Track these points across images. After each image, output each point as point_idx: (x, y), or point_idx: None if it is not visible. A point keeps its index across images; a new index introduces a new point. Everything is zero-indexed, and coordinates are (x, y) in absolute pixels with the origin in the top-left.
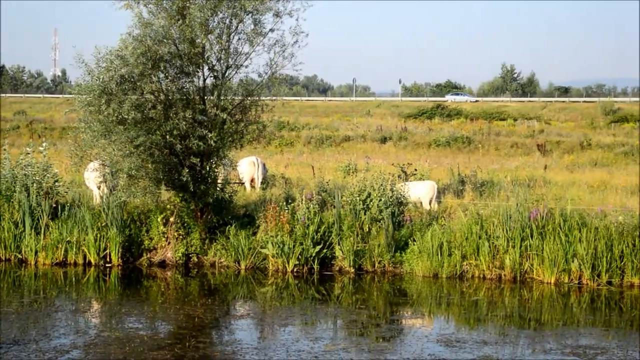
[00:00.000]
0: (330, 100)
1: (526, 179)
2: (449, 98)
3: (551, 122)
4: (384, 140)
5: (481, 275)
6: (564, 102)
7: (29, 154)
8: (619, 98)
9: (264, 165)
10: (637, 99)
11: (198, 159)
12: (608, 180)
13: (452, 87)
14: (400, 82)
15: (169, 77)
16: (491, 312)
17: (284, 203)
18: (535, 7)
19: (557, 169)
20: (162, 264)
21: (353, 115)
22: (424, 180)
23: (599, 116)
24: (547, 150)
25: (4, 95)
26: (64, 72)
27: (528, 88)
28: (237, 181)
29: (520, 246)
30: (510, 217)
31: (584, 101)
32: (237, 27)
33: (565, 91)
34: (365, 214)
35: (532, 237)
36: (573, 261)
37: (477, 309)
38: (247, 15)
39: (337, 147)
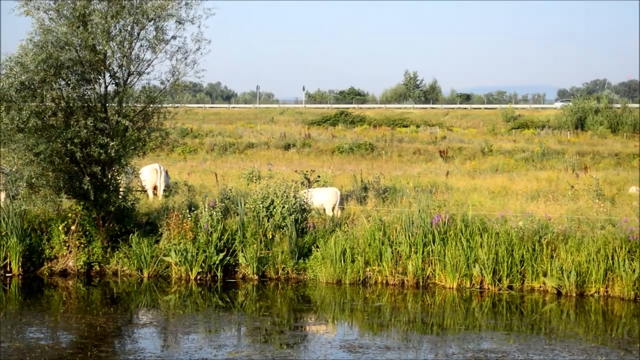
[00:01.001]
0: (233, 107)
1: (428, 185)
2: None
3: (453, 128)
4: (287, 147)
5: (384, 281)
6: (465, 108)
7: None
8: (519, 105)
9: (166, 172)
10: (537, 105)
11: (99, 167)
12: (509, 186)
13: (355, 94)
14: (304, 89)
15: (70, 84)
16: (394, 318)
17: (187, 211)
18: (437, 13)
19: (459, 175)
20: (64, 273)
21: (257, 122)
22: (327, 187)
23: (500, 123)
24: (449, 157)
25: None
26: None
27: (431, 95)
28: (140, 189)
29: (423, 252)
30: (412, 223)
31: (486, 108)
32: (139, 34)
33: (467, 98)
34: (268, 221)
35: (434, 242)
36: (474, 266)
37: (380, 314)
38: (149, 22)
39: (241, 154)
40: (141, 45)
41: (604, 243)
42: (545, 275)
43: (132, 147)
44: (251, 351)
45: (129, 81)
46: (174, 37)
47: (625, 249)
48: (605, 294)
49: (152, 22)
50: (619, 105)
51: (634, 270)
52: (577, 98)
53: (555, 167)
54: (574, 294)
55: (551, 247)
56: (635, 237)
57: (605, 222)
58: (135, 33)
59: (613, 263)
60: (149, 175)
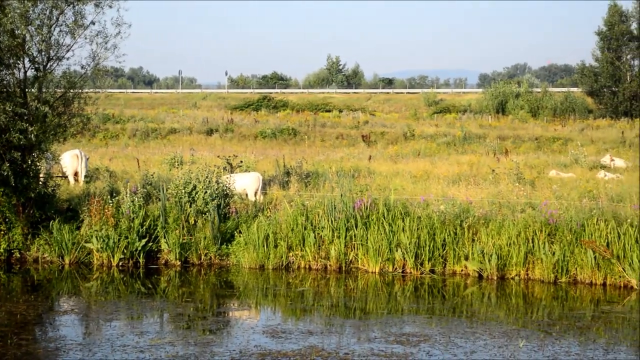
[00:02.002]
0: (156, 93)
1: (351, 169)
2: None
3: (376, 113)
4: (210, 132)
5: (307, 266)
6: (388, 93)
7: None
8: (441, 89)
9: (87, 158)
10: (459, 90)
11: (19, 153)
12: (431, 170)
13: (278, 79)
14: (226, 74)
15: None
16: (317, 303)
17: (109, 197)
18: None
19: (381, 160)
20: None
21: (179, 107)
22: (249, 172)
23: (422, 107)
24: (372, 141)
25: None
26: None
27: (353, 79)
28: (60, 175)
29: (345, 236)
30: (335, 208)
31: (408, 92)
32: (58, 18)
33: (389, 82)
34: (190, 206)
35: (356, 227)
36: (397, 250)
37: (303, 299)
38: (68, 6)
39: (163, 140)
40: (60, 30)
41: (524, 226)
42: (466, 258)
43: (53, 133)
44: (174, 337)
45: (48, 66)
46: (92, 22)
47: (545, 232)
48: (526, 276)
49: (71, 6)
50: (539, 90)
51: (553, 253)
52: (497, 82)
53: (476, 151)
54: (495, 277)
55: (472, 230)
56: (555, 220)
57: (525, 205)
58: (54, 17)
59: (533, 246)
60: (69, 161)
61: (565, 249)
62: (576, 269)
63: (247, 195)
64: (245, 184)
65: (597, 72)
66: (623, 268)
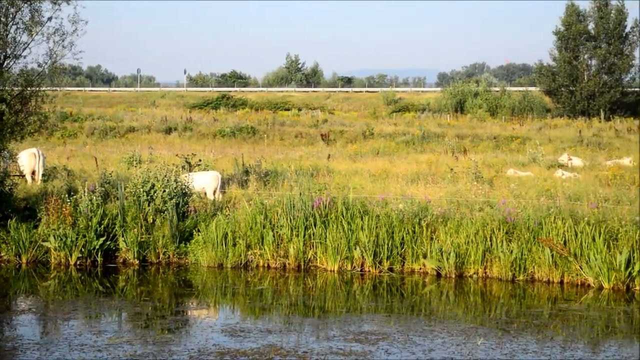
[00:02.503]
0: (114, 91)
1: (310, 168)
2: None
3: (335, 111)
4: (168, 131)
5: (266, 265)
6: (347, 92)
7: None
8: (400, 88)
9: (45, 157)
10: (418, 89)
11: None
12: (389, 168)
13: (237, 78)
14: (185, 72)
15: None
16: (276, 301)
17: (66, 195)
18: None
19: (340, 159)
20: None
21: (138, 105)
22: (208, 170)
23: (381, 106)
24: (331, 140)
25: None
26: None
27: (312, 78)
28: (18, 174)
29: (304, 235)
30: (293, 207)
31: (367, 91)
32: (14, 16)
33: (348, 81)
34: (149, 205)
35: (315, 225)
36: (355, 249)
37: (262, 298)
38: (25, 3)
39: (122, 138)
40: (17, 28)
41: (483, 225)
42: (425, 257)
43: (10, 131)
44: (132, 337)
45: (5, 64)
46: (49, 19)
47: (503, 230)
48: (484, 275)
49: (28, 3)
50: (497, 89)
51: (511, 252)
52: (456, 81)
53: (435, 150)
54: (454, 275)
55: (431, 229)
56: (513, 218)
57: (483, 204)
58: (11, 15)
59: (491, 244)
60: (27, 160)
61: (522, 247)
62: (534, 267)
63: (205, 194)
64: (203, 182)
65: (555, 71)
66: (580, 266)
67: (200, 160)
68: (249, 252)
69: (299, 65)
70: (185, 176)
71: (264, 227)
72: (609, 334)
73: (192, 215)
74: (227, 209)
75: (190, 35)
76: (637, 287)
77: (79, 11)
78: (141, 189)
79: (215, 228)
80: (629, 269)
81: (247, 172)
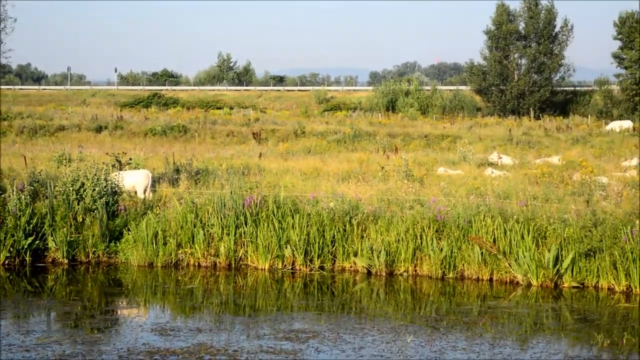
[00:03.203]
0: (44, 89)
1: (241, 167)
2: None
3: (267, 110)
4: (99, 129)
5: (196, 263)
6: (279, 90)
7: None
8: (332, 87)
9: None
10: (349, 87)
11: None
12: (321, 167)
13: (169, 76)
14: (116, 70)
15: None
16: (206, 300)
17: None
18: None
19: (272, 157)
20: None
21: (68, 104)
22: (138, 169)
23: (313, 105)
24: (263, 139)
25: None
26: None
27: (244, 77)
28: None
29: (235, 234)
30: (224, 205)
31: (299, 90)
32: None
33: (280, 80)
34: (79, 204)
35: (246, 224)
36: (286, 247)
37: (192, 297)
38: None
39: (51, 137)
40: None
41: (413, 223)
42: (355, 255)
43: None
44: (61, 336)
45: None
46: None
47: (433, 228)
48: (414, 272)
49: None
50: (428, 88)
51: (441, 250)
52: (388, 80)
53: (366, 148)
54: (384, 274)
55: (361, 227)
56: (443, 217)
57: (414, 202)
58: None
59: (421, 242)
60: None
61: (452, 245)
62: (463, 264)
63: (136, 192)
64: (134, 181)
65: (486, 70)
66: (509, 264)
67: (130, 159)
68: (180, 251)
69: (231, 64)
70: (116, 175)
71: (194, 226)
72: (537, 331)
73: (122, 214)
74: (157, 207)
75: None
76: (565, 285)
77: (7, 9)
78: (71, 188)
79: (145, 227)
80: (557, 266)
81: (178, 171)
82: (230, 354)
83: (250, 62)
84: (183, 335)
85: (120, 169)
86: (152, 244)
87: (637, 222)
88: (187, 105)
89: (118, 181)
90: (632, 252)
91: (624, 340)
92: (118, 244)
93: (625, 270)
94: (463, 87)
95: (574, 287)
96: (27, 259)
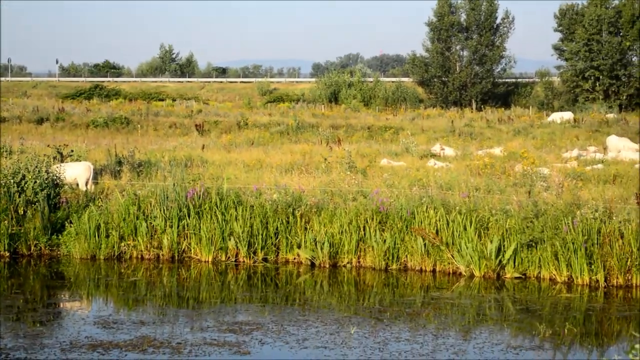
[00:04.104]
0: None
1: (184, 158)
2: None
3: (209, 102)
4: (40, 121)
5: (139, 256)
6: (222, 82)
7: None
8: (275, 79)
9: None
10: (292, 79)
11: None
12: (264, 159)
13: (111, 68)
14: (57, 62)
15: None
16: (150, 293)
17: None
18: None
19: (215, 149)
20: None
21: (9, 96)
22: (80, 161)
23: (256, 96)
24: (205, 130)
25: None
26: None
27: (187, 68)
28: None
29: (178, 226)
30: (167, 197)
31: (242, 82)
32: None
33: (223, 72)
34: (20, 196)
35: (189, 216)
36: (230, 239)
37: (135, 289)
38: None
39: None
40: None
41: (356, 214)
42: (299, 247)
43: None
44: (2, 330)
45: None
46: None
47: (376, 220)
48: (358, 264)
49: None
50: (371, 79)
51: (384, 241)
52: (330, 72)
53: (309, 140)
54: (327, 265)
55: (305, 219)
56: (386, 208)
57: (357, 193)
58: None
59: (365, 234)
60: None
61: (395, 237)
62: (406, 256)
63: (77, 184)
64: (75, 173)
65: (428, 62)
66: (452, 255)
67: (72, 151)
68: (122, 244)
69: (173, 56)
70: (57, 167)
71: (137, 218)
72: (479, 321)
73: (64, 206)
74: (99, 200)
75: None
76: (507, 275)
77: None
78: (11, 180)
79: (87, 219)
80: (499, 257)
81: (120, 163)
82: (174, 346)
83: (193, 53)
84: (126, 328)
85: (62, 161)
86: (95, 236)
87: (578, 212)
88: (129, 97)
89: (59, 173)
90: (573, 243)
91: (566, 330)
92: (60, 237)
93: (566, 260)
94: (405, 79)
95: (516, 277)
96: None
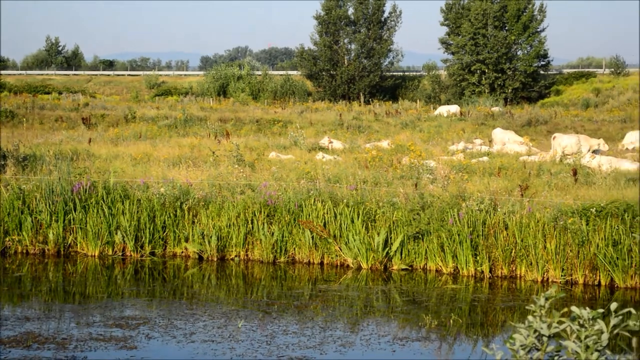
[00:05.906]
0: None
1: (70, 152)
2: None
3: (96, 95)
4: None
5: (24, 251)
6: (109, 75)
7: None
8: (162, 72)
9: None
10: (180, 72)
11: None
12: (151, 152)
13: None
14: None
15: None
16: (35, 288)
17: None
18: None
19: (101, 142)
20: None
21: None
22: None
23: (144, 89)
24: (92, 124)
25: None
26: None
27: (73, 61)
28: None
29: (64, 220)
30: (53, 192)
31: (129, 75)
32: None
33: (110, 64)
34: None
35: (75, 210)
36: (117, 233)
37: (20, 285)
38: None
39: None
40: None
41: (244, 208)
42: (187, 240)
43: None
44: None
45: None
46: None
47: (264, 213)
48: (246, 257)
49: None
50: (260, 73)
51: (272, 234)
52: (219, 65)
53: (198, 133)
54: (216, 259)
55: (193, 212)
56: (274, 201)
57: (245, 187)
58: None
59: (253, 227)
60: None
61: (283, 230)
62: (294, 249)
63: None
64: None
65: (316, 55)
66: (339, 247)
67: None
68: (7, 239)
69: (60, 48)
70: None
71: (22, 213)
72: (367, 313)
73: None
74: None
75: None
76: (395, 267)
77: None
78: None
79: None
80: (387, 249)
81: (4, 157)
82: (59, 342)
83: (79, 46)
84: (10, 324)
85: None
86: None
87: (464, 204)
88: (15, 90)
89: None
90: (458, 235)
91: (451, 321)
92: None
93: (452, 252)
94: (294, 72)
95: (403, 269)
96: None
